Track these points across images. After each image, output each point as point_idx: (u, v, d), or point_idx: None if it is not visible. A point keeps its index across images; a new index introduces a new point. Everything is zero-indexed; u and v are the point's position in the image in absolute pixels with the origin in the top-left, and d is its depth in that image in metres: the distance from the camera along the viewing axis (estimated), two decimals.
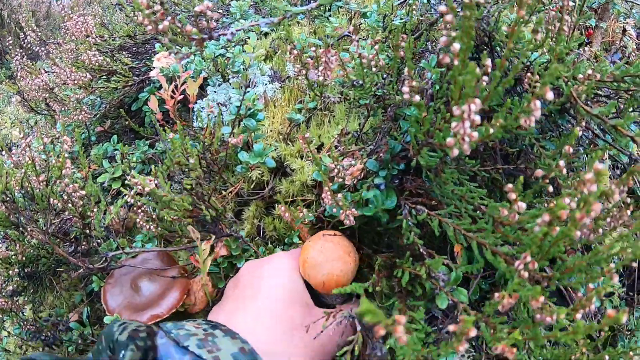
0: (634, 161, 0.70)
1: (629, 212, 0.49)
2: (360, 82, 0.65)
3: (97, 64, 1.01)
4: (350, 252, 0.76)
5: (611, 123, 0.54)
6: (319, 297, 0.81)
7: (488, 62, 0.48)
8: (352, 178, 0.72)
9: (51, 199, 0.82)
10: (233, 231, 0.88)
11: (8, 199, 0.83)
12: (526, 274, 0.42)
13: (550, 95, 0.35)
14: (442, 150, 0.55)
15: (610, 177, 1.02)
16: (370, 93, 0.72)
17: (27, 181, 0.83)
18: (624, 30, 1.38)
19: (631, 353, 0.55)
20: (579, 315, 0.41)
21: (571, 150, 0.50)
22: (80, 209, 0.86)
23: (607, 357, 0.52)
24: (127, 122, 1.24)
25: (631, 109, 0.65)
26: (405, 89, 0.47)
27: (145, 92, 1.14)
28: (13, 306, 0.92)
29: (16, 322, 0.97)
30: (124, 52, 1.19)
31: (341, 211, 0.61)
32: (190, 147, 0.82)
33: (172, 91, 0.93)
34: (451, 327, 0.37)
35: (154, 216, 0.87)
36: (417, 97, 0.48)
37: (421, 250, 0.61)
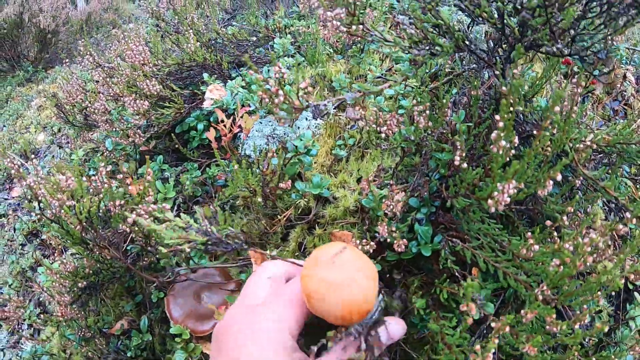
0: (620, 206, 0.96)
1: (609, 251, 0.73)
2: (412, 137, 0.89)
3: (155, 92, 1.21)
4: (368, 276, 0.57)
5: (601, 185, 0.79)
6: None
7: (515, 139, 0.72)
8: (398, 210, 0.95)
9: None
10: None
11: (85, 219, 1.02)
12: (541, 297, 0.66)
13: (559, 178, 0.58)
14: (477, 200, 0.78)
15: (603, 212, 1.29)
16: (414, 143, 0.96)
17: (104, 204, 1.02)
18: (624, 76, 1.67)
19: (613, 356, 0.80)
20: (577, 326, 0.65)
21: (572, 209, 0.74)
22: (146, 230, 1.06)
23: (594, 359, 0.77)
24: (169, 143, 1.43)
25: (619, 167, 0.91)
26: (457, 157, 0.71)
27: (192, 117, 1.34)
28: (78, 315, 1.10)
29: (74, 330, 1.15)
30: (170, 78, 1.39)
31: (395, 241, 0.84)
32: (252, 178, 1.04)
33: (230, 123, 1.14)
34: (493, 324, 0.60)
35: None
36: (465, 165, 0.71)
37: (456, 273, 0.85)
